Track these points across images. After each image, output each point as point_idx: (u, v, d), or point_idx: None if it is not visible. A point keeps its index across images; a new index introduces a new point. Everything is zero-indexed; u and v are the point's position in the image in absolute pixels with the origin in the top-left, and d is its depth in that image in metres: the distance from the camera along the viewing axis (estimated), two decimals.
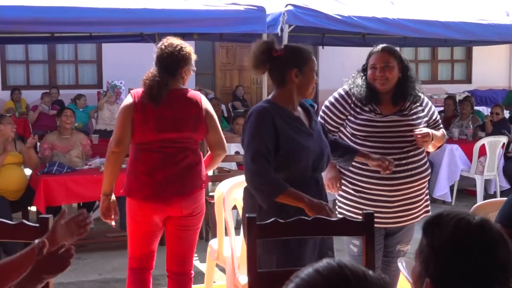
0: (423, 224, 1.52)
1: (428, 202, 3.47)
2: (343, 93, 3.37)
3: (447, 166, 7.35)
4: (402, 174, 3.24)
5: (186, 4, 5.46)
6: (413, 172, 3.28)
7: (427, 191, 3.45)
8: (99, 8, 5.19)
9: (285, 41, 5.52)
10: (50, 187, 5.28)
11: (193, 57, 3.50)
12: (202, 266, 4.87)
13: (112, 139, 3.38)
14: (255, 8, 5.61)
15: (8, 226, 2.31)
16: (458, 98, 11.08)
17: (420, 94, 3.34)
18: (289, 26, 5.72)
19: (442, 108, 9.26)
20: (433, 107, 3.49)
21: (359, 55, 3.34)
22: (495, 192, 7.47)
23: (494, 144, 7.30)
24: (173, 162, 3.35)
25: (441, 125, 3.54)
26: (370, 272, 1.14)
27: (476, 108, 9.50)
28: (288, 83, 2.86)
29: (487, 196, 7.35)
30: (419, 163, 3.30)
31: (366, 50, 3.50)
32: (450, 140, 7.66)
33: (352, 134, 3.30)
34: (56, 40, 9.54)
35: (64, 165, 5.57)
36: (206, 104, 3.48)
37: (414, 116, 3.30)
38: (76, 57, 12.62)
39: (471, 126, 8.04)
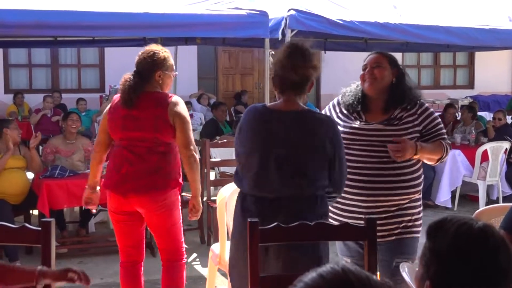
0: (427, 228, 1.52)
1: (418, 222, 3.14)
2: (335, 102, 3.32)
3: (449, 171, 7.34)
4: (378, 185, 3.03)
5: (188, 9, 5.46)
6: (393, 185, 3.04)
7: (418, 209, 3.14)
8: (101, 12, 5.19)
9: None
10: (52, 191, 5.30)
11: (170, 62, 3.64)
12: (204, 271, 4.86)
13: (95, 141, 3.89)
14: (258, 12, 5.61)
15: (10, 229, 2.32)
16: (460, 103, 11.06)
17: (417, 102, 3.13)
18: (292, 30, 5.73)
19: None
20: (431, 116, 3.15)
21: (362, 60, 3.30)
22: (497, 197, 7.45)
23: (497, 149, 7.29)
24: (138, 161, 3.54)
25: (442, 136, 3.17)
26: (374, 277, 1.14)
27: (478, 113, 9.48)
28: (307, 91, 2.87)
29: (489, 201, 7.34)
30: (404, 177, 3.06)
31: None
32: (453, 146, 7.62)
33: None
34: (59, 44, 9.53)
35: (66, 169, 5.57)
36: (176, 106, 3.57)
37: (403, 126, 3.07)
38: (79, 61, 12.64)
39: (473, 131, 8.03)
